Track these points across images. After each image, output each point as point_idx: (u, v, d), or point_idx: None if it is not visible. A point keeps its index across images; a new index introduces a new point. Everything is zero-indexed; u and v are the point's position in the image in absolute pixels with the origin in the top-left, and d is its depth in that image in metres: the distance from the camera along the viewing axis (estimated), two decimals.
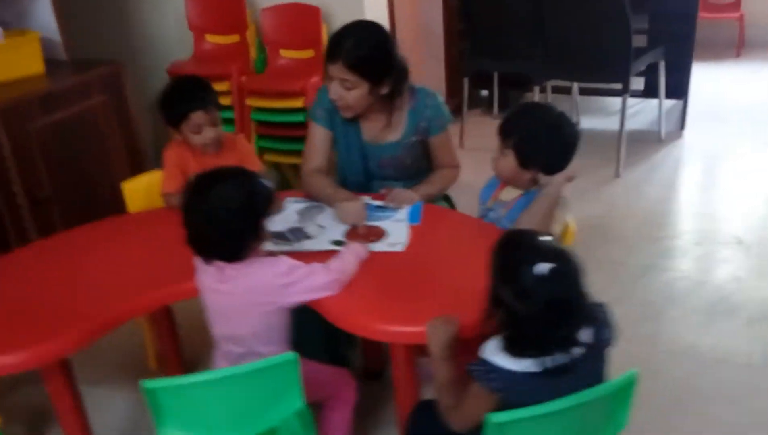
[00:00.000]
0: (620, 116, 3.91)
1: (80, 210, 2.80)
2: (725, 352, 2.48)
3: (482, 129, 4.78)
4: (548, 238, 1.46)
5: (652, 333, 2.60)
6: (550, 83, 4.18)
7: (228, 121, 3.65)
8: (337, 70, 2.09)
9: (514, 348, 1.38)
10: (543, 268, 1.33)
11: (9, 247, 2.46)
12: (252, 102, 3.55)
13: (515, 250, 1.41)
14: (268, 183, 1.75)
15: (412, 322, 1.62)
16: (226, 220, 1.63)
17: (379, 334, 1.67)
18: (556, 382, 1.36)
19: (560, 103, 4.68)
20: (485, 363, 1.40)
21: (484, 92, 5.17)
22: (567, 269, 1.36)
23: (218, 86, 3.58)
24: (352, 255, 1.84)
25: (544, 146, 1.93)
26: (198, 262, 1.75)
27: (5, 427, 2.32)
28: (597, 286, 2.75)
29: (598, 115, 4.83)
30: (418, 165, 2.31)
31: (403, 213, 2.13)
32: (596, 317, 1.45)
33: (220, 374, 1.62)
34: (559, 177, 1.91)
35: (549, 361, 1.35)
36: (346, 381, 1.97)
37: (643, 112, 4.80)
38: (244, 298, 1.71)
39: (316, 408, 1.85)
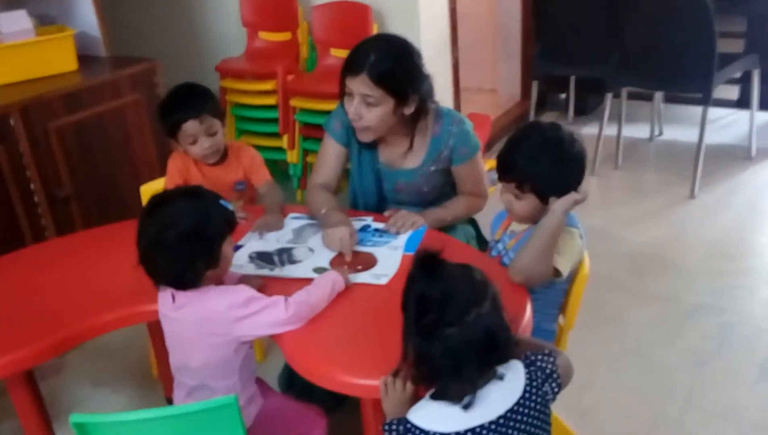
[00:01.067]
0: (699, 129, 3.52)
1: (103, 209, 2.79)
2: None
3: None
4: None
5: (689, 385, 2.29)
6: (627, 89, 3.83)
7: (272, 121, 3.57)
8: (359, 84, 1.92)
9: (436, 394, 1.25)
10: (418, 288, 1.23)
11: (24, 246, 2.46)
12: (295, 102, 3.44)
13: (411, 273, 1.28)
14: (227, 205, 1.62)
15: (381, 374, 1.40)
16: (172, 245, 1.51)
17: (342, 386, 1.47)
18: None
19: (639, 110, 4.40)
20: (403, 422, 1.25)
21: (563, 95, 4.85)
22: (441, 263, 1.24)
23: (264, 85, 3.51)
24: (323, 286, 1.67)
25: (567, 171, 1.68)
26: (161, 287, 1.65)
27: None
28: (639, 324, 2.55)
29: (684, 126, 4.38)
30: (437, 192, 2.13)
31: (402, 239, 1.95)
32: (537, 368, 1.28)
33: (154, 414, 1.49)
34: (558, 205, 1.65)
35: (456, 404, 1.21)
36: (317, 420, 1.82)
37: (735, 125, 4.32)
38: (196, 327, 1.59)
39: None
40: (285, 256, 1.91)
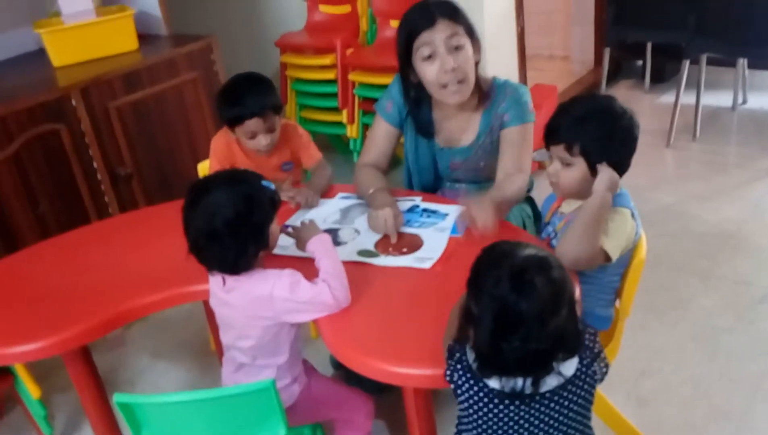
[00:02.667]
0: None
1: (163, 186, 2.84)
2: None
3: (628, 105, 4.27)
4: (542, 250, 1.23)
5: (756, 376, 2.15)
6: (707, 55, 3.59)
7: (332, 96, 3.54)
8: (441, 30, 1.86)
9: (479, 366, 1.22)
10: (499, 273, 1.16)
11: (89, 223, 2.54)
12: (354, 77, 3.40)
13: (486, 256, 1.22)
14: (269, 186, 1.60)
15: (422, 363, 1.38)
16: (222, 234, 1.51)
17: (380, 374, 1.44)
18: (518, 407, 1.20)
19: (722, 77, 4.13)
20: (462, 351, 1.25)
21: (640, 62, 4.61)
22: (533, 281, 1.14)
23: (323, 60, 3.48)
24: (327, 257, 1.62)
25: (616, 140, 1.61)
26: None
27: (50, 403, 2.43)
28: (707, 309, 2.41)
29: None
30: (492, 167, 2.03)
31: (449, 221, 1.89)
32: (586, 347, 1.23)
33: (195, 396, 1.52)
34: (598, 184, 1.57)
35: (510, 384, 1.18)
36: (360, 405, 1.82)
37: None
38: (245, 311, 1.60)
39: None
40: (331, 237, 1.89)
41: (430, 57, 1.88)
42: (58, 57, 2.77)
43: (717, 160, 3.51)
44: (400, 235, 1.84)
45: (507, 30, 3.61)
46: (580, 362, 1.22)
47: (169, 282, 1.78)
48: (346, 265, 1.64)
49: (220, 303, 1.64)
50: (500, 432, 1.23)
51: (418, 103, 2.03)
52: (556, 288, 1.16)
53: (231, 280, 1.59)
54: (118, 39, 2.84)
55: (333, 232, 1.90)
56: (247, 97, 2.02)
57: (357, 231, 1.91)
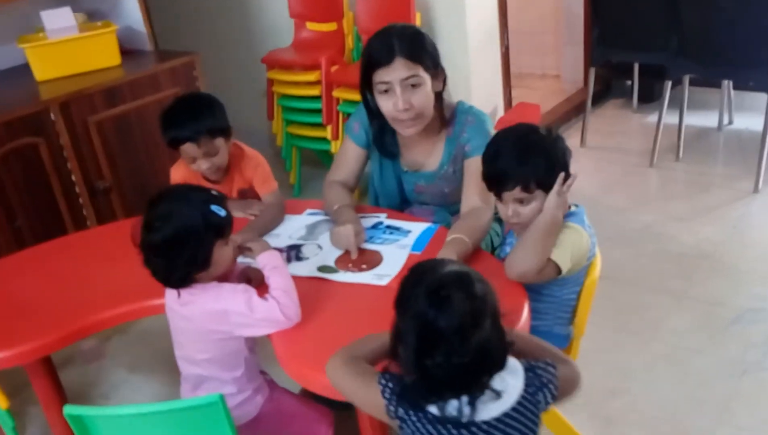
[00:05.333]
0: (764, 119, 3.29)
1: (143, 200, 2.80)
2: None
3: (614, 124, 4.30)
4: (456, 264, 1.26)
5: (724, 397, 2.14)
6: (691, 76, 3.61)
7: (317, 112, 3.57)
8: (397, 70, 1.84)
9: (413, 392, 1.21)
10: (418, 291, 1.17)
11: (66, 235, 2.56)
12: (338, 93, 3.43)
13: (410, 276, 1.23)
14: (219, 212, 1.59)
15: None
16: (156, 247, 1.53)
17: (328, 390, 1.42)
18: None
19: (709, 97, 4.14)
20: (398, 380, 1.24)
21: (629, 81, 4.63)
22: (449, 296, 1.15)
23: (309, 76, 3.51)
24: (278, 273, 1.63)
25: (557, 161, 1.64)
26: None
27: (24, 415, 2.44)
28: (679, 330, 2.41)
29: (757, 114, 4.08)
30: (458, 193, 2.02)
31: (411, 238, 1.91)
32: (536, 376, 1.24)
33: (143, 409, 1.52)
34: (550, 203, 1.60)
35: (447, 408, 1.17)
36: (318, 417, 1.82)
37: None
38: (199, 324, 1.61)
39: None
40: (293, 252, 1.91)
41: (386, 91, 1.89)
42: (40, 71, 2.81)
43: (699, 181, 3.52)
44: (361, 251, 1.85)
45: (491, 48, 3.64)
46: (526, 389, 1.22)
47: (132, 295, 1.80)
48: (305, 281, 1.66)
49: (175, 316, 1.65)
50: None
51: (382, 128, 2.04)
52: (475, 303, 1.16)
53: (186, 293, 1.60)
54: (100, 54, 2.89)
55: (296, 248, 1.92)
56: (183, 120, 2.00)
57: (320, 247, 1.92)
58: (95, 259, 2.00)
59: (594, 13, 3.89)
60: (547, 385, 1.25)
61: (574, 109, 4.42)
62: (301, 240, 1.97)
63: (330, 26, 3.65)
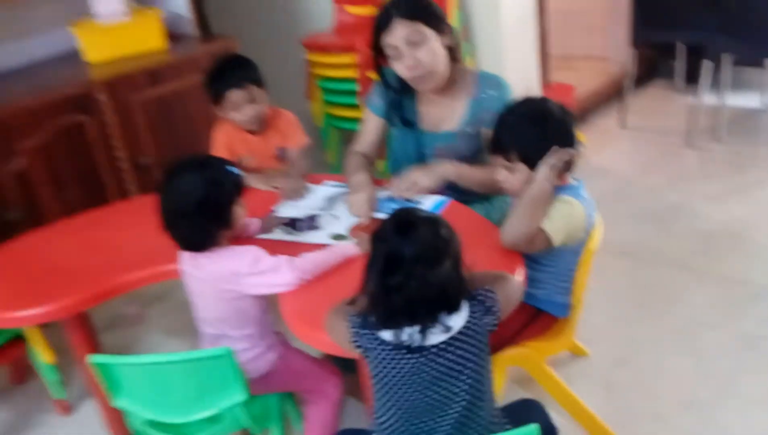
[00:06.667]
0: None
1: None
2: None
3: (657, 105, 4.26)
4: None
5: (729, 370, 2.16)
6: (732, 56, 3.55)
7: (352, 94, 3.67)
8: (398, 31, 1.96)
9: (373, 319, 1.37)
10: (391, 222, 1.34)
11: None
12: (372, 75, 3.51)
13: (391, 215, 1.39)
14: (234, 171, 1.76)
15: None
16: (189, 213, 1.67)
17: (331, 347, 1.55)
18: (413, 358, 1.33)
19: (750, 78, 4.04)
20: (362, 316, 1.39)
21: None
22: (417, 228, 1.31)
23: (345, 59, 3.61)
24: (331, 252, 1.78)
25: (552, 140, 1.70)
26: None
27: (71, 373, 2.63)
28: (695, 305, 2.43)
29: None
30: (480, 158, 2.13)
31: (425, 208, 2.00)
32: (479, 302, 1.38)
33: (160, 359, 1.68)
34: (539, 175, 1.68)
35: (400, 335, 1.32)
36: (327, 376, 1.94)
37: None
38: (212, 284, 1.75)
39: None
40: (310, 222, 2.02)
41: (396, 55, 2.00)
42: (91, 54, 3.01)
43: (735, 161, 3.47)
44: (374, 220, 1.95)
45: (527, 30, 3.66)
46: (471, 314, 1.35)
47: (159, 259, 1.93)
48: (316, 247, 1.79)
49: (191, 280, 1.79)
50: (401, 384, 1.35)
51: (398, 96, 2.14)
52: (438, 241, 1.31)
53: (200, 257, 1.74)
54: (147, 38, 3.07)
55: (312, 218, 2.03)
56: (228, 71, 2.23)
57: (336, 217, 2.04)
58: (130, 227, 2.15)
59: None
60: (491, 308, 1.38)
61: (616, 91, 4.39)
62: (319, 210, 2.08)
63: (368, 9, 3.73)
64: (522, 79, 3.70)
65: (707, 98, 3.65)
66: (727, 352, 2.24)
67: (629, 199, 3.21)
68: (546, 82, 3.88)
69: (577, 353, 2.29)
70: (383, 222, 1.37)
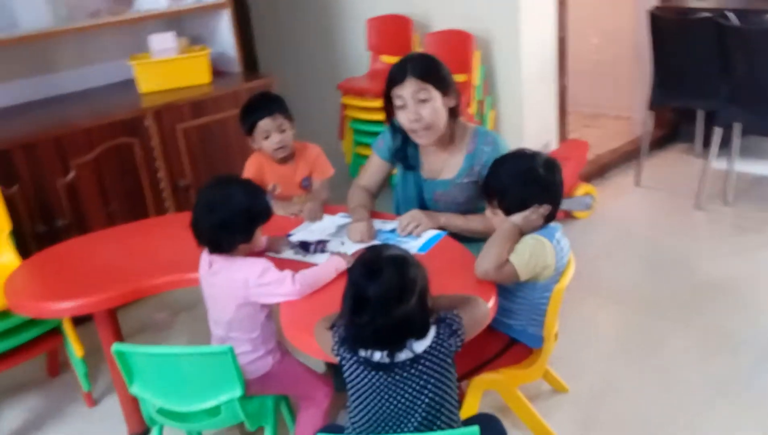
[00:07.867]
0: None
1: None
2: None
3: (673, 167, 4.42)
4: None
5: (697, 413, 2.29)
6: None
7: None
8: (409, 87, 2.21)
9: (347, 339, 1.54)
10: (359, 263, 1.51)
11: None
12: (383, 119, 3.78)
13: (363, 253, 1.57)
14: (268, 201, 2.05)
15: None
16: (222, 212, 1.93)
17: (307, 347, 1.78)
18: (382, 375, 1.50)
19: (759, 145, 4.14)
20: (338, 330, 1.58)
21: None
22: (381, 270, 1.46)
23: (376, 103, 3.89)
24: (326, 266, 2.02)
25: (524, 196, 1.95)
26: (202, 256, 2.07)
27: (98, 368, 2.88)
28: (679, 351, 2.57)
29: None
30: (473, 204, 2.37)
31: (420, 242, 2.23)
32: (446, 325, 1.53)
33: (167, 350, 1.94)
34: (514, 218, 1.94)
35: (374, 356, 1.49)
36: (320, 385, 2.12)
37: None
38: (225, 290, 1.99)
39: None
40: (320, 246, 2.26)
41: (402, 106, 2.25)
42: (143, 85, 3.35)
43: (742, 224, 3.61)
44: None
45: (546, 87, 3.90)
46: (437, 335, 1.52)
47: (181, 267, 2.19)
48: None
49: (206, 284, 2.04)
50: (369, 393, 1.53)
51: (404, 142, 2.39)
52: (404, 281, 1.47)
53: (216, 263, 1.98)
54: (194, 73, 3.40)
55: (323, 242, 2.27)
56: (260, 104, 2.50)
57: (342, 243, 2.27)
58: (162, 238, 2.43)
59: (654, 57, 4.06)
60: (456, 331, 1.55)
61: (636, 151, 4.57)
62: (329, 236, 2.32)
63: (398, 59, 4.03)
64: (541, 133, 3.94)
65: (717, 163, 3.81)
66: (700, 394, 2.38)
67: (630, 249, 3.39)
68: (563, 138, 4.10)
69: (557, 389, 2.45)
70: (353, 263, 1.56)
